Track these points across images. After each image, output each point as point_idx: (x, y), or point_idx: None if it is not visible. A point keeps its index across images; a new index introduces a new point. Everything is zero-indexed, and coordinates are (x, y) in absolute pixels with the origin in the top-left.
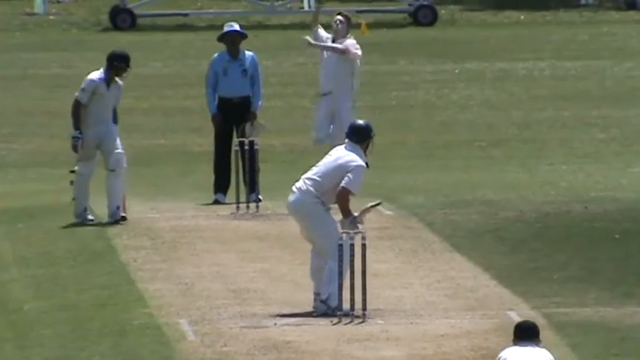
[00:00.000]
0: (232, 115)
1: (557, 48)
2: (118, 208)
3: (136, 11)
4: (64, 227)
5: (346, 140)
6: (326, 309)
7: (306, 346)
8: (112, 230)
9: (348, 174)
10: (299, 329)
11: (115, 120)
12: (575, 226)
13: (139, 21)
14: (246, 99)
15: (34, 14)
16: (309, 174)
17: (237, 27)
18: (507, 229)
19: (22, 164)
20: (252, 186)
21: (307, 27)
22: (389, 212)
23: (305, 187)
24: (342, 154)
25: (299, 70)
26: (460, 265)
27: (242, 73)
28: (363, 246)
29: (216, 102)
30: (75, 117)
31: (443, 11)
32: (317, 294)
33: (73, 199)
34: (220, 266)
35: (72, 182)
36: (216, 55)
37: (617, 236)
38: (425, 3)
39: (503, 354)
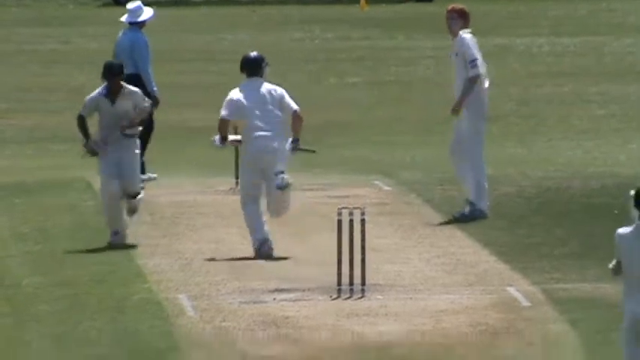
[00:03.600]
0: None
1: (555, 24)
2: (115, 233)
3: None
4: (62, 203)
5: (250, 77)
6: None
7: (304, 321)
8: None
9: (286, 100)
10: (298, 304)
11: (148, 126)
12: (574, 201)
13: None
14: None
15: None
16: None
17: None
18: (506, 204)
19: (20, 140)
20: None
21: (304, 2)
22: (387, 188)
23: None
24: (265, 90)
25: (297, 45)
26: (460, 240)
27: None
28: (362, 221)
29: None
30: (79, 127)
31: None
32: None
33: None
34: (219, 242)
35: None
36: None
37: (616, 212)
38: None
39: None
